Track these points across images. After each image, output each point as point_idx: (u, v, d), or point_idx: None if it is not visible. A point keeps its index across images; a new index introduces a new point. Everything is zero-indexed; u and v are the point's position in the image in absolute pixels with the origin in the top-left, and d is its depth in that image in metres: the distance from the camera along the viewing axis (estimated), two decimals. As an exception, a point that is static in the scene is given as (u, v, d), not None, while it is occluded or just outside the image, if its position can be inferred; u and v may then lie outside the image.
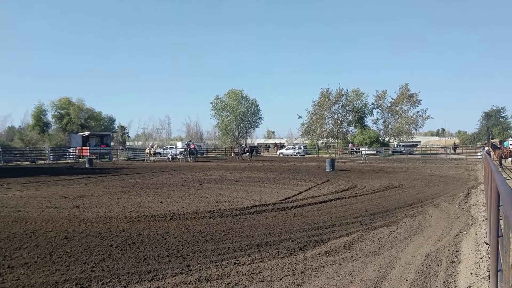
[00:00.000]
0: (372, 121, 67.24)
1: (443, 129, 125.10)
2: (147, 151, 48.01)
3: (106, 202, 12.09)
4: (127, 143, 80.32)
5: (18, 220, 9.13)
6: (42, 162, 41.09)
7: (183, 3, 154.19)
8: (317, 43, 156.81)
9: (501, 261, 3.86)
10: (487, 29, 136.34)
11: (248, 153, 46.93)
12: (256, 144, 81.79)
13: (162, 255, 6.27)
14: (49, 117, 60.25)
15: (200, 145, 59.09)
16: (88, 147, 45.86)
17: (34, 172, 26.16)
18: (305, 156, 56.73)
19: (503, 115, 77.87)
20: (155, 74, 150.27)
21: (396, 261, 5.99)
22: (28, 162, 39.97)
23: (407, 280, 5.13)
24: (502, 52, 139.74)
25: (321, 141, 68.90)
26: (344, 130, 68.16)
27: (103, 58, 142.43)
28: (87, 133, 50.10)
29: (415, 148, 61.91)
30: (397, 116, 64.31)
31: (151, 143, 57.68)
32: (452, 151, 55.20)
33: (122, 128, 76.96)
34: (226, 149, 68.36)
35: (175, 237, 7.42)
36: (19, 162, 39.45)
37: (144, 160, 45.19)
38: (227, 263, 5.89)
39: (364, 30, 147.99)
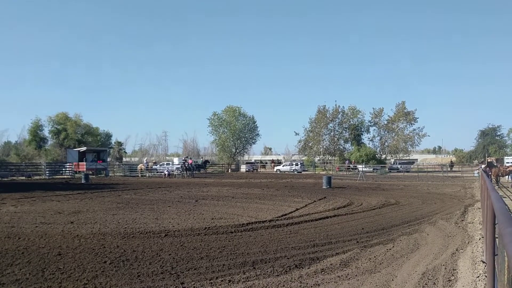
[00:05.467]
0: (369, 138, 67.34)
1: (439, 147, 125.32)
2: (140, 166, 47.63)
3: (101, 218, 12.00)
4: (124, 159, 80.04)
5: (11, 236, 9.03)
6: (38, 177, 40.84)
7: (179, 19, 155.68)
8: (314, 58, 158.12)
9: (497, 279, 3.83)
10: (484, 47, 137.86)
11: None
12: (253, 160, 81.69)
13: (156, 272, 6.20)
14: (46, 132, 60.03)
15: (197, 161, 58.93)
16: (84, 163, 45.62)
17: (30, 187, 25.99)
18: (302, 172, 56.65)
19: (499, 133, 78.31)
20: (152, 90, 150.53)
21: (393, 280, 5.94)
22: (23, 177, 39.70)
23: (403, 299, 5.08)
24: (498, 70, 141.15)
25: (318, 158, 68.83)
26: (341, 147, 68.20)
27: (101, 74, 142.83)
28: (83, 148, 49.88)
29: (412, 166, 61.86)
30: (394, 133, 64.44)
31: (145, 159, 57.29)
32: (449, 169, 55.26)
33: (119, 143, 76.74)
34: (223, 165, 68.25)
35: (169, 254, 7.35)
36: (14, 177, 39.17)
37: (139, 176, 44.89)
38: (222, 280, 5.82)
39: (362, 46, 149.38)
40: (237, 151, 73.33)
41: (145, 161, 51.67)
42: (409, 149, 64.83)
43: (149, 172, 47.15)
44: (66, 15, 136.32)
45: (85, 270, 6.27)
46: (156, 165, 52.95)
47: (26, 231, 9.67)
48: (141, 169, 46.38)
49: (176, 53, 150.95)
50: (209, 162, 62.35)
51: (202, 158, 64.59)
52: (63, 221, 11.32)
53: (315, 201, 16.87)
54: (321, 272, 6.33)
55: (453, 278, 6.01)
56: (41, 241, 8.48)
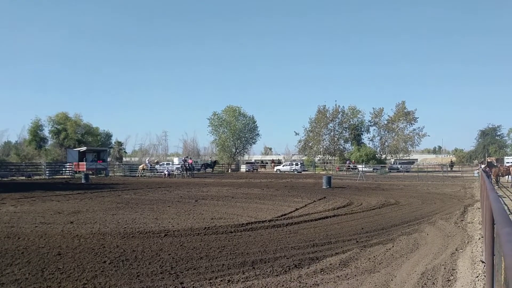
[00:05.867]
0: (369, 138, 67.36)
1: (440, 147, 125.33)
2: (142, 166, 47.52)
3: (101, 218, 12.00)
4: (124, 159, 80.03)
5: (11, 235, 9.04)
6: (38, 177, 40.84)
7: (179, 20, 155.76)
8: (315, 58, 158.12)
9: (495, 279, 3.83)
10: (484, 47, 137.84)
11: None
12: (253, 160, 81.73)
13: (155, 272, 6.20)
14: (46, 132, 60.07)
15: (197, 161, 59.00)
16: (84, 163, 45.60)
17: (30, 187, 25.99)
18: (302, 172, 56.65)
19: (499, 133, 78.39)
20: (152, 90, 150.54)
21: (392, 279, 5.94)
22: (23, 177, 39.68)
23: (402, 298, 5.08)
24: (498, 70, 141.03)
25: (318, 158, 68.84)
26: (341, 147, 68.22)
27: (101, 74, 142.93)
28: (83, 148, 49.86)
29: (412, 166, 61.85)
30: (394, 133, 64.46)
31: (147, 159, 57.31)
32: (449, 169, 55.26)
33: (119, 143, 76.73)
34: (223, 165, 68.25)
35: (169, 254, 7.35)
36: (14, 177, 39.16)
37: (138, 176, 44.80)
38: (221, 280, 5.83)
39: (362, 46, 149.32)
40: (237, 151, 73.34)
41: (147, 161, 51.72)
42: (409, 149, 64.83)
43: (149, 172, 47.08)
44: (66, 15, 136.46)
45: (85, 270, 6.27)
46: (157, 164, 53.01)
47: (25, 231, 9.68)
48: (143, 168, 46.45)
49: (176, 53, 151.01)
50: (218, 163, 63.12)
51: (211, 158, 66.58)
52: (63, 221, 11.32)
53: (315, 201, 16.88)
54: (321, 272, 6.33)
55: (452, 278, 6.01)
56: (41, 241, 8.49)
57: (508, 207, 14.26)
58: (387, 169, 55.60)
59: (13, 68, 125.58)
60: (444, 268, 6.49)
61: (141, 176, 44.65)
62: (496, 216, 2.43)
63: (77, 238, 8.76)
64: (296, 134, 69.00)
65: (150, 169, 47.58)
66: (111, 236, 9.01)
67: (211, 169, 57.87)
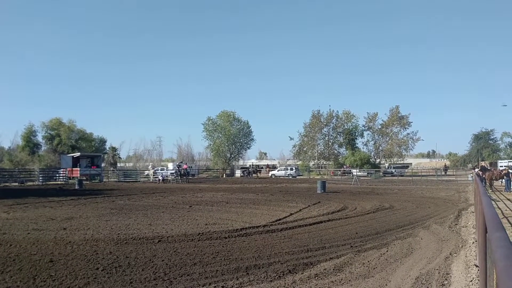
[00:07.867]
0: (363, 143, 67.63)
1: (434, 151, 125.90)
2: (149, 171, 48.22)
3: (94, 224, 11.92)
4: (118, 164, 79.75)
5: (2, 243, 8.94)
6: (31, 183, 40.53)
7: (178, 24, 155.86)
8: (308, 66, 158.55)
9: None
10: (476, 51, 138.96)
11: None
12: (248, 165, 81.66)
13: (148, 278, 6.16)
14: (40, 138, 59.77)
15: (191, 167, 58.89)
16: (78, 168, 45.36)
17: (22, 193, 25.78)
18: (297, 177, 56.64)
19: (492, 137, 78.83)
20: (147, 95, 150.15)
21: (386, 284, 5.93)
22: (16, 184, 39.37)
23: (396, 303, 5.07)
24: (490, 75, 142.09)
25: (313, 163, 68.96)
26: (335, 151, 68.42)
27: (95, 79, 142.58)
28: (77, 154, 49.57)
29: (406, 170, 62.08)
30: (388, 138, 64.75)
31: (151, 165, 57.45)
32: (443, 173, 55.48)
33: (113, 149, 76.42)
34: (218, 170, 68.10)
35: (162, 260, 7.31)
36: (7, 184, 38.85)
37: (151, 181, 45.24)
38: (215, 286, 5.80)
39: (356, 52, 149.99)
40: (232, 156, 73.24)
41: (150, 167, 52.01)
42: (403, 153, 65.13)
43: (144, 177, 47.07)
44: (61, 19, 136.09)
45: (77, 277, 6.21)
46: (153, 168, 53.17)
47: (18, 238, 9.59)
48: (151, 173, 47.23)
49: (171, 57, 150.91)
50: (258, 168, 66.83)
51: (249, 166, 70.77)
52: (56, 227, 11.23)
53: (309, 205, 16.86)
54: (315, 277, 6.31)
55: (446, 282, 6.02)
56: (33, 248, 8.41)
57: (501, 211, 14.33)
58: (381, 173, 55.75)
59: (5, 73, 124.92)
60: (438, 273, 6.50)
61: (152, 180, 45.08)
62: (488, 221, 2.42)
63: (69, 245, 8.69)
64: (291, 139, 69.22)
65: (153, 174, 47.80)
66: (104, 243, 8.94)
67: (256, 175, 60.19)
